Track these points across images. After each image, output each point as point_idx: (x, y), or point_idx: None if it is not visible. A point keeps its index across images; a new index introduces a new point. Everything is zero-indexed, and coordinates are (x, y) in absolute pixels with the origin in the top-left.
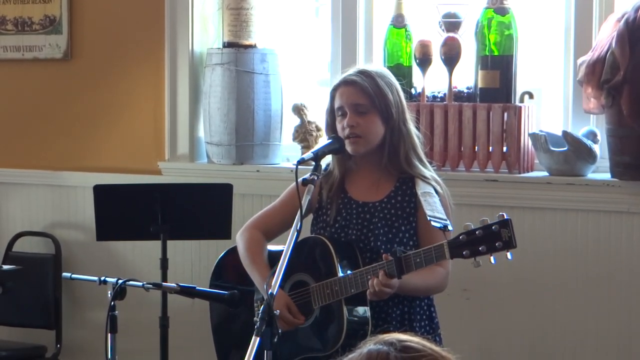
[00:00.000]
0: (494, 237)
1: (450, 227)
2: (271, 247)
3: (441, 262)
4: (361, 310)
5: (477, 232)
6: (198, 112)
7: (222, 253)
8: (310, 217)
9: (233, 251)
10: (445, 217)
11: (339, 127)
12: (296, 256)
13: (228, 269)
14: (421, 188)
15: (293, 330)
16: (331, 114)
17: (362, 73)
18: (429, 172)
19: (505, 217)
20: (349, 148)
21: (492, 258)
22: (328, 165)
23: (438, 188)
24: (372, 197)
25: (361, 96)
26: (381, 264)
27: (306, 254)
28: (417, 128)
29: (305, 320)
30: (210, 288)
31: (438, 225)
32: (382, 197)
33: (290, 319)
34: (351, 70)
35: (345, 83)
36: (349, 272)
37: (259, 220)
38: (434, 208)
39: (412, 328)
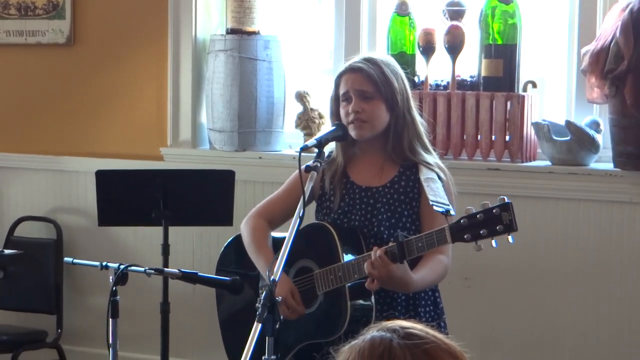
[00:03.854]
0: (495, 221)
1: (452, 212)
2: (275, 234)
3: (442, 250)
4: (365, 296)
5: (478, 216)
6: (201, 99)
7: (230, 238)
8: (314, 204)
9: (240, 236)
10: (447, 202)
11: (342, 112)
12: (300, 242)
13: (236, 255)
14: (424, 174)
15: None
16: (335, 101)
17: (368, 60)
18: (432, 158)
19: (506, 200)
20: (353, 132)
21: (493, 242)
22: (331, 152)
23: (441, 174)
24: (375, 182)
25: (367, 83)
26: (384, 247)
27: (310, 240)
28: (422, 116)
29: (310, 306)
30: (217, 273)
31: (440, 209)
32: (385, 182)
33: (294, 305)
34: (357, 58)
35: (352, 70)
36: (352, 257)
37: (263, 209)
38: (436, 193)
39: (417, 314)
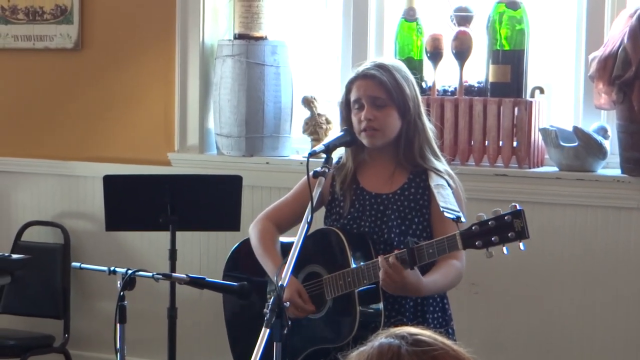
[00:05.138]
0: (506, 228)
1: (463, 219)
2: (283, 239)
3: (457, 255)
4: (374, 302)
5: (489, 223)
6: (208, 104)
7: (237, 243)
8: (323, 209)
9: (247, 242)
10: (457, 209)
11: (354, 119)
12: (310, 248)
13: (242, 260)
14: (434, 180)
15: (306, 321)
16: (346, 106)
17: (380, 67)
18: (442, 165)
19: (518, 207)
20: (365, 141)
21: (504, 248)
22: (340, 157)
23: (451, 181)
24: (385, 188)
25: (379, 90)
26: (394, 254)
27: (319, 246)
28: (430, 121)
29: (318, 312)
30: (223, 279)
31: (451, 216)
32: (395, 189)
33: (301, 304)
34: (367, 64)
35: (364, 76)
36: (361, 263)
37: (271, 213)
38: (446, 200)
39: (425, 320)
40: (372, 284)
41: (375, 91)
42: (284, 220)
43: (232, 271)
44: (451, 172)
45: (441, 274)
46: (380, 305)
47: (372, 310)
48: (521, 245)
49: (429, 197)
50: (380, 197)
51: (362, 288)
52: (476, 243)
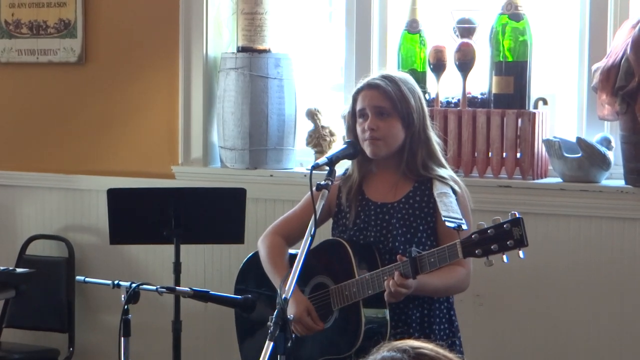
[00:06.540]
0: (505, 236)
1: (464, 227)
2: (292, 250)
3: (461, 262)
4: (380, 312)
5: (489, 231)
6: (212, 117)
7: (248, 256)
8: (331, 221)
9: (257, 255)
10: (460, 216)
11: (359, 129)
12: (316, 259)
13: (254, 272)
14: (438, 189)
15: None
16: (352, 117)
17: (386, 78)
18: (447, 172)
19: (517, 215)
20: (368, 150)
21: (504, 257)
22: (347, 169)
23: (456, 187)
24: (390, 198)
25: (384, 99)
26: (396, 264)
27: (326, 257)
28: (437, 135)
29: (325, 322)
30: (235, 292)
31: (452, 225)
32: (400, 197)
33: (310, 324)
34: (374, 75)
35: (369, 86)
36: (366, 274)
37: (280, 226)
38: (449, 208)
39: (431, 331)
40: (377, 294)
41: (380, 101)
42: (293, 233)
43: (243, 284)
44: (456, 177)
45: (437, 275)
46: (386, 316)
47: (378, 321)
48: (520, 253)
49: (434, 206)
50: (385, 206)
51: (368, 298)
52: (476, 252)
